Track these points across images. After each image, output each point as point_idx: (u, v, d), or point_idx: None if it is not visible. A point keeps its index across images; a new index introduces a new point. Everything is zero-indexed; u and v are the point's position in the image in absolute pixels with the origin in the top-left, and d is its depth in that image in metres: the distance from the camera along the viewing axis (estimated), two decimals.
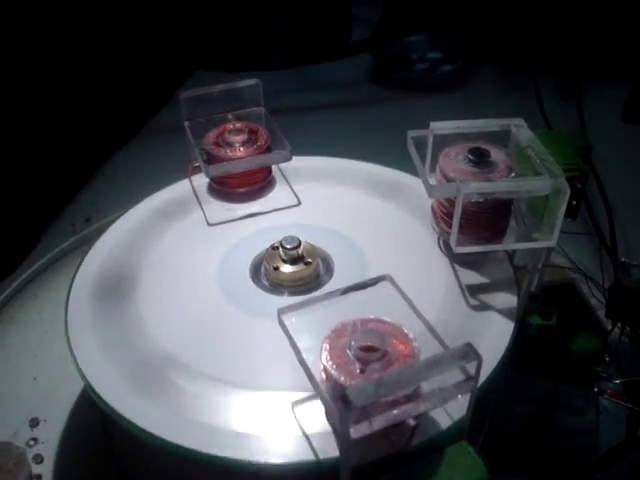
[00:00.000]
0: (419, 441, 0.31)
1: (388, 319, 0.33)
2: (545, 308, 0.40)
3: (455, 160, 0.40)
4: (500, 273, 0.41)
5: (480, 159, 0.40)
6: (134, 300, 0.40)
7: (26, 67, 0.65)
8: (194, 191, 0.49)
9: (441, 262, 0.42)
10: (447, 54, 0.87)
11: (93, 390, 0.35)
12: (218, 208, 0.47)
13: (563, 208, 0.37)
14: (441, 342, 0.32)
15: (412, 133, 0.42)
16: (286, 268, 0.41)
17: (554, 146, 0.42)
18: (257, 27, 0.85)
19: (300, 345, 0.32)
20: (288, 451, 0.32)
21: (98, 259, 0.44)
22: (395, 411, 0.29)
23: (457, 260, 0.42)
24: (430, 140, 0.42)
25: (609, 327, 0.42)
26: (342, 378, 0.30)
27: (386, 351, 0.31)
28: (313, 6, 0.87)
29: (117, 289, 0.41)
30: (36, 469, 0.42)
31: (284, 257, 0.41)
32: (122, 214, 0.48)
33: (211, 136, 0.48)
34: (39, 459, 0.43)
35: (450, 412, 0.32)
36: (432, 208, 0.42)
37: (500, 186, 0.37)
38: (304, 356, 0.32)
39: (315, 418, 0.33)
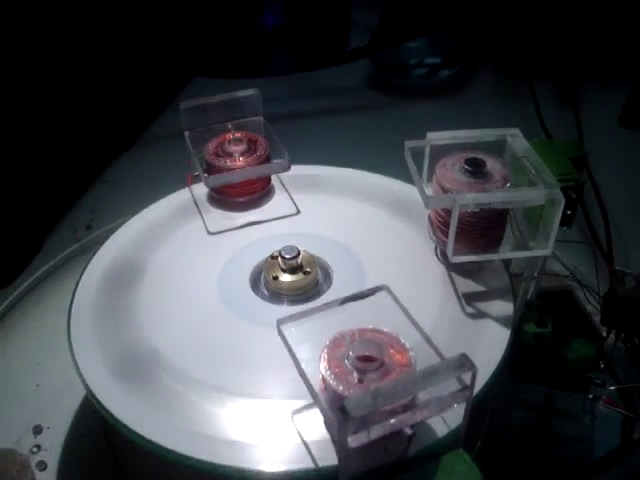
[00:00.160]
0: (416, 449, 0.32)
1: (385, 329, 0.33)
2: (541, 316, 0.41)
3: (451, 170, 0.41)
4: (496, 281, 0.42)
5: (476, 169, 0.40)
6: (135, 309, 0.41)
7: (27, 74, 0.65)
8: (194, 200, 0.50)
9: (438, 270, 0.43)
10: (445, 59, 0.88)
11: (95, 398, 0.36)
12: (218, 217, 0.48)
13: (558, 218, 0.38)
14: (437, 352, 0.32)
15: (409, 143, 0.42)
16: (285, 277, 0.41)
17: (549, 156, 0.42)
18: (255, 34, 0.85)
19: (299, 355, 0.33)
20: (287, 459, 0.33)
21: (99, 269, 0.44)
22: (392, 420, 0.29)
23: (454, 269, 0.43)
24: (427, 150, 0.43)
25: (604, 333, 0.42)
26: (340, 388, 0.31)
27: (383, 361, 0.32)
28: (311, 12, 0.88)
29: (118, 298, 0.42)
30: (39, 476, 0.43)
31: (283, 266, 0.41)
32: (123, 221, 0.49)
33: (211, 146, 0.49)
34: (42, 466, 0.44)
35: (446, 420, 0.33)
36: (429, 217, 0.43)
37: (496, 196, 0.38)
38: (303, 366, 0.32)
39: (314, 426, 0.33)
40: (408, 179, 0.49)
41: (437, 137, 0.43)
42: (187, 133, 0.49)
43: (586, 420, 0.43)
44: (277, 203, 0.49)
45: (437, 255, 0.44)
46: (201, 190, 0.50)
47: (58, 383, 0.49)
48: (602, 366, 0.41)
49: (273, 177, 0.51)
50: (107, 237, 0.48)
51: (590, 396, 0.40)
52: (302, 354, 0.33)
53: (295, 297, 0.41)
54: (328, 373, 0.31)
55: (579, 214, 0.61)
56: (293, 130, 0.79)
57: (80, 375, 0.37)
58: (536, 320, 0.41)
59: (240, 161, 0.47)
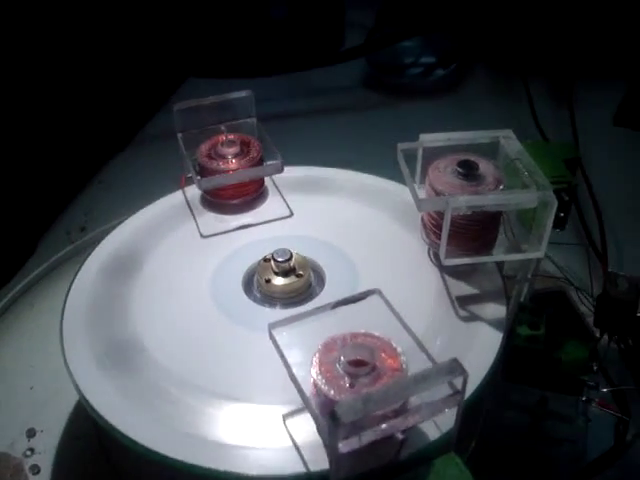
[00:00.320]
0: (408, 453, 0.32)
1: (377, 333, 0.33)
2: (534, 318, 0.41)
3: (444, 173, 0.41)
4: (489, 284, 0.42)
5: (469, 172, 0.40)
6: (128, 311, 0.41)
7: (20, 74, 0.65)
8: (187, 202, 0.49)
9: (431, 272, 0.43)
10: (440, 58, 0.88)
11: (87, 402, 0.36)
12: (211, 220, 0.48)
13: (551, 220, 0.38)
14: (429, 356, 0.32)
15: (402, 146, 0.42)
16: (278, 280, 0.41)
17: (543, 158, 0.42)
18: (250, 33, 0.85)
19: (291, 360, 0.33)
20: (278, 463, 0.32)
21: (91, 273, 0.44)
22: (384, 425, 0.29)
23: (447, 270, 0.43)
24: (420, 153, 0.43)
25: (598, 335, 0.42)
26: (332, 392, 0.31)
27: (375, 365, 0.32)
28: (306, 12, 0.88)
29: (110, 301, 0.42)
30: (33, 479, 0.43)
31: (276, 269, 0.41)
32: (118, 223, 0.49)
33: (204, 148, 0.49)
34: (36, 469, 0.44)
35: (438, 424, 0.33)
36: (422, 219, 0.43)
37: (488, 199, 0.38)
38: (294, 371, 0.32)
39: (305, 430, 0.33)
40: (403, 180, 0.49)
41: (430, 139, 0.43)
42: (180, 135, 0.49)
43: (579, 422, 0.43)
44: (270, 205, 0.49)
45: (430, 257, 0.44)
46: (194, 192, 0.50)
47: (52, 385, 0.49)
48: (595, 368, 0.41)
49: (267, 179, 0.51)
50: (101, 239, 0.47)
51: (583, 398, 0.40)
52: (294, 358, 0.33)
53: (288, 300, 0.41)
54: (319, 378, 0.31)
55: (573, 214, 0.61)
56: (288, 130, 0.79)
57: (73, 379, 0.37)
58: (529, 322, 0.40)
59: (233, 163, 0.47)
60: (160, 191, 0.52)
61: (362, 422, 0.28)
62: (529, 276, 0.43)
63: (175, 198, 0.51)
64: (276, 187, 0.50)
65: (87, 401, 0.36)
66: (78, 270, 0.45)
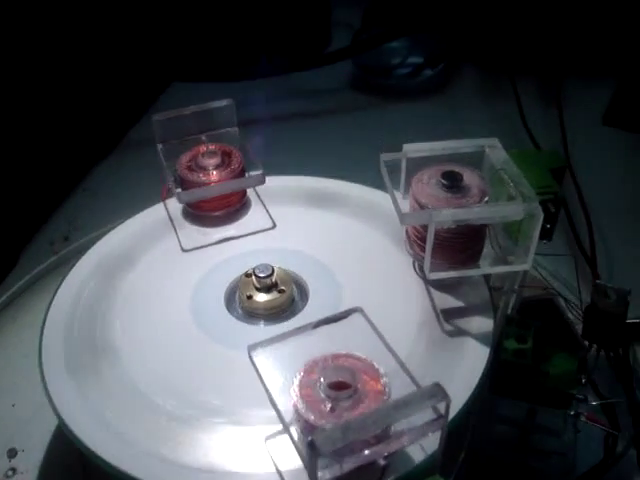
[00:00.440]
0: (392, 478, 0.31)
1: (359, 354, 0.32)
2: (521, 331, 0.40)
3: (428, 185, 0.40)
4: (476, 296, 0.41)
5: (453, 183, 0.39)
6: (107, 333, 0.40)
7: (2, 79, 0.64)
8: (169, 215, 0.49)
9: (416, 285, 0.42)
10: (428, 59, 0.87)
11: (66, 426, 0.35)
12: (193, 233, 0.47)
13: (537, 232, 0.37)
14: (412, 378, 0.31)
15: (384, 157, 0.41)
16: (259, 297, 0.40)
17: (529, 167, 0.41)
18: (235, 37, 0.84)
19: (270, 382, 0.32)
20: None
21: (70, 291, 0.43)
22: (365, 452, 0.29)
23: (432, 283, 0.42)
24: (403, 163, 0.42)
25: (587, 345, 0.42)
26: (312, 417, 0.30)
27: (357, 388, 0.31)
28: (291, 14, 0.87)
29: (89, 322, 0.41)
30: None
31: (257, 285, 0.41)
32: (102, 233, 0.48)
33: (184, 159, 0.48)
34: None
35: (422, 446, 0.32)
36: (406, 231, 0.42)
37: (472, 212, 0.37)
38: (274, 394, 0.31)
39: (288, 454, 0.32)
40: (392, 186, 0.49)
41: (413, 149, 0.42)
42: (160, 146, 0.48)
43: (568, 434, 0.42)
44: (253, 217, 0.48)
45: (415, 270, 0.43)
46: (176, 204, 0.49)
47: (35, 402, 0.48)
48: (584, 381, 0.40)
49: (249, 190, 0.50)
50: (85, 249, 0.47)
51: (572, 412, 0.39)
52: (274, 381, 0.32)
53: (270, 316, 0.41)
54: (299, 402, 0.31)
55: (563, 220, 0.61)
56: (274, 134, 0.79)
57: (52, 403, 0.37)
58: (516, 336, 0.40)
59: (214, 175, 0.46)
60: (146, 198, 0.51)
61: (342, 450, 0.27)
62: (516, 287, 0.42)
63: (156, 211, 0.50)
64: (259, 198, 0.50)
65: (66, 426, 0.35)
66: (57, 288, 0.44)
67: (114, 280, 0.44)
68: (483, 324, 0.39)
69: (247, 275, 0.41)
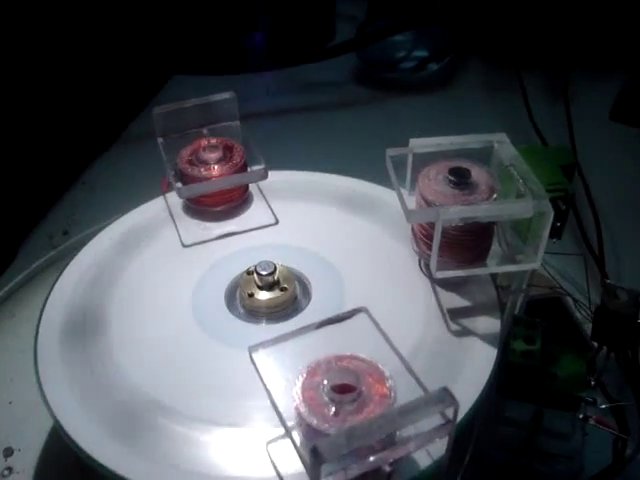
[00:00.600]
0: None
1: (363, 355, 0.31)
2: (529, 332, 0.39)
3: (435, 181, 0.39)
4: (483, 295, 0.40)
5: (460, 180, 0.38)
6: (104, 332, 0.39)
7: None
8: (169, 209, 0.47)
9: (422, 284, 0.41)
10: (433, 52, 0.85)
11: (65, 432, 0.34)
12: (193, 227, 0.46)
13: (547, 230, 0.36)
14: (418, 381, 0.30)
15: (390, 152, 0.40)
16: (261, 295, 0.39)
17: (538, 163, 0.40)
18: (237, 29, 0.83)
19: (273, 385, 0.31)
20: None
21: (68, 287, 0.42)
22: (370, 458, 0.28)
23: (438, 282, 0.41)
24: (410, 159, 0.41)
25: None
26: (315, 422, 0.29)
27: (361, 391, 0.30)
28: (296, 7, 0.85)
29: (86, 320, 0.40)
30: None
31: (259, 283, 0.40)
32: (102, 227, 0.47)
33: (185, 154, 0.47)
34: None
35: (429, 451, 0.31)
36: (412, 229, 0.41)
37: (481, 210, 0.36)
38: (277, 396, 0.30)
39: (290, 459, 0.32)
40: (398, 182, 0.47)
41: (420, 144, 0.41)
42: (160, 140, 0.47)
43: (576, 437, 0.41)
44: (255, 212, 0.47)
45: (421, 268, 0.42)
46: (176, 198, 0.48)
47: (31, 400, 0.47)
48: (593, 383, 0.39)
49: (251, 184, 0.49)
50: (84, 244, 0.46)
51: (580, 415, 0.39)
52: (276, 383, 0.31)
53: (272, 315, 0.40)
54: (302, 405, 0.30)
55: (571, 218, 0.60)
56: (276, 128, 0.78)
57: (47, 404, 0.36)
58: (524, 337, 0.39)
59: (215, 169, 0.45)
60: (146, 192, 0.50)
61: (347, 457, 0.26)
62: (524, 287, 0.41)
63: (157, 204, 0.49)
64: (261, 193, 0.48)
65: (64, 431, 0.34)
66: (53, 284, 0.43)
67: (112, 276, 0.43)
68: (490, 324, 0.38)
69: (249, 272, 0.40)
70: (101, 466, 0.32)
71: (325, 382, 0.30)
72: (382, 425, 0.26)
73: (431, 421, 0.28)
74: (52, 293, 0.42)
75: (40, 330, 0.40)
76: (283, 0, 0.86)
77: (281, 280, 0.40)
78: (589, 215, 0.59)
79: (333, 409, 0.29)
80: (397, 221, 0.44)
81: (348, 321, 0.34)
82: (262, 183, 0.49)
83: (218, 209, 0.47)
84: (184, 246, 0.45)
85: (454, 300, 0.40)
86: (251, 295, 0.39)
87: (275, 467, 0.32)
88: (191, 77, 0.82)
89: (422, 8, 0.84)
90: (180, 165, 0.46)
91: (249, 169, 0.47)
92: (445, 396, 0.27)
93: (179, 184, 0.45)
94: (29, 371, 0.48)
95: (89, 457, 0.33)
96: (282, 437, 0.33)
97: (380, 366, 0.31)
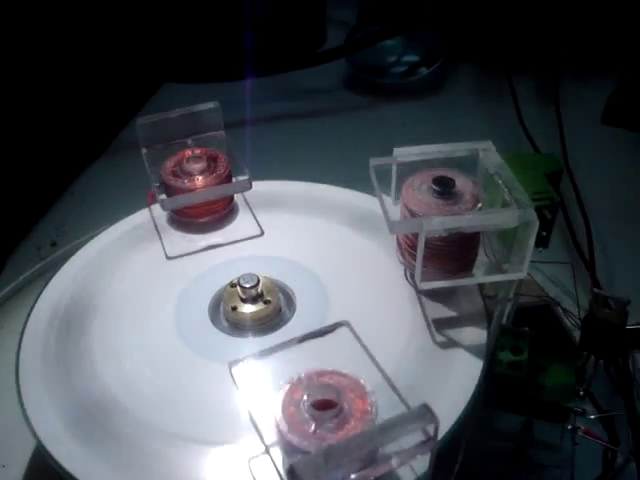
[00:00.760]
0: None
1: (345, 371, 0.31)
2: (516, 342, 0.39)
3: (419, 191, 0.38)
4: (469, 305, 0.40)
5: (444, 189, 0.38)
6: (87, 346, 0.39)
7: None
8: (153, 221, 0.47)
9: (408, 294, 0.41)
10: (424, 57, 0.85)
11: (43, 447, 0.34)
12: (178, 239, 0.46)
13: (532, 240, 0.36)
14: (400, 397, 0.30)
15: (374, 161, 0.40)
16: (245, 308, 0.39)
17: (524, 171, 0.40)
18: (227, 36, 0.82)
19: (253, 400, 0.31)
20: None
21: (49, 304, 0.42)
22: (352, 476, 0.27)
23: (424, 292, 0.40)
24: (394, 168, 0.40)
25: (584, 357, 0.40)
26: (295, 439, 0.28)
27: (342, 407, 0.29)
28: (286, 13, 0.85)
29: (69, 335, 0.39)
30: None
31: (242, 296, 0.39)
32: (90, 237, 0.47)
33: (168, 165, 0.46)
34: None
35: (413, 467, 0.31)
36: (397, 239, 0.41)
37: (465, 220, 0.36)
38: (254, 414, 0.30)
39: (271, 476, 0.31)
40: (385, 191, 0.47)
41: (404, 153, 0.40)
42: (144, 150, 0.47)
43: (566, 447, 0.41)
44: (241, 223, 0.47)
45: (407, 278, 0.42)
46: (161, 210, 0.48)
47: (16, 414, 0.46)
48: (582, 393, 0.39)
49: (237, 195, 0.48)
50: (72, 255, 0.45)
51: (569, 426, 0.38)
52: (256, 398, 0.31)
53: (256, 328, 0.39)
54: (282, 422, 0.29)
55: (562, 225, 0.59)
56: (267, 135, 0.77)
57: (29, 424, 0.36)
58: (511, 347, 0.38)
59: (199, 181, 0.45)
60: (136, 202, 0.49)
61: (326, 476, 0.26)
62: (511, 296, 0.41)
63: (142, 216, 0.48)
64: (247, 203, 0.48)
65: (43, 446, 0.34)
66: (37, 298, 0.42)
67: (96, 289, 0.42)
68: (476, 335, 0.38)
69: (232, 285, 0.40)
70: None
71: (306, 399, 0.30)
72: (361, 443, 0.26)
73: (413, 437, 0.28)
74: (36, 306, 0.42)
75: (22, 345, 0.39)
76: (273, 6, 0.85)
77: (265, 292, 0.39)
78: (580, 220, 0.58)
79: (313, 426, 0.29)
80: (384, 231, 0.44)
81: (330, 335, 0.33)
82: (248, 193, 0.48)
83: (203, 220, 0.46)
84: (168, 258, 0.44)
85: (440, 311, 0.40)
86: (234, 308, 0.39)
87: None
88: (181, 85, 0.82)
89: (412, 13, 0.83)
90: (164, 177, 0.45)
91: (234, 179, 0.47)
92: (425, 413, 0.27)
93: (163, 196, 0.44)
94: (14, 384, 0.48)
95: (71, 476, 0.32)
96: (264, 454, 0.32)
97: (362, 381, 0.31)
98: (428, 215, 0.36)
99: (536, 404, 0.38)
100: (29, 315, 0.41)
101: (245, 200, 0.48)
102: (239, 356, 0.32)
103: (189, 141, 0.48)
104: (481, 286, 0.41)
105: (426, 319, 0.39)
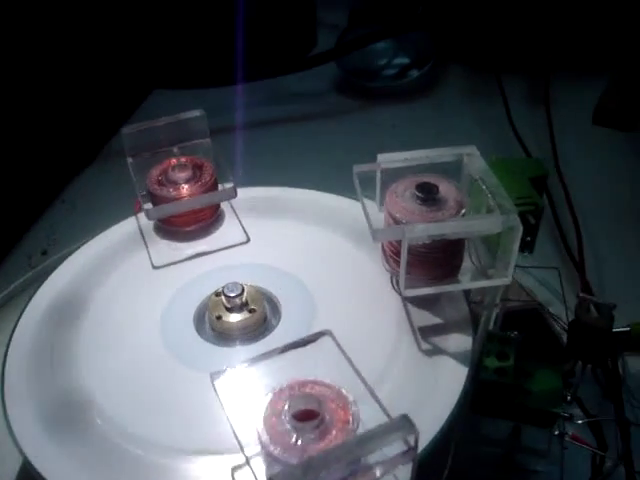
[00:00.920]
0: None
1: (327, 381, 0.31)
2: (502, 348, 0.38)
3: (402, 198, 0.38)
4: (455, 312, 0.40)
5: (428, 196, 0.38)
6: (72, 358, 0.39)
7: None
8: (140, 230, 0.47)
9: (394, 301, 0.41)
10: (414, 59, 0.85)
11: (30, 464, 0.34)
12: (164, 248, 0.46)
13: (517, 245, 0.36)
14: (381, 406, 0.30)
15: (357, 168, 0.40)
16: (229, 317, 0.39)
17: (508, 176, 0.40)
18: (216, 41, 0.82)
19: (235, 411, 0.31)
20: None
21: (35, 315, 0.42)
22: None
23: (410, 299, 0.40)
24: (378, 175, 0.40)
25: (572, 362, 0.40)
26: (276, 451, 0.28)
27: (323, 417, 0.29)
28: (276, 16, 0.85)
29: (54, 344, 0.40)
30: None
31: (227, 305, 0.39)
32: (81, 244, 0.47)
33: (154, 174, 0.46)
34: None
35: (396, 476, 0.31)
36: (382, 247, 0.41)
37: (448, 227, 0.36)
38: (235, 426, 0.30)
39: None
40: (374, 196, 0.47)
41: (388, 159, 0.40)
42: (130, 160, 0.47)
43: (555, 453, 0.40)
44: (227, 231, 0.47)
45: (393, 285, 0.41)
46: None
47: (2, 428, 0.46)
48: (569, 398, 0.39)
49: (224, 202, 0.48)
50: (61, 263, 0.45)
51: (556, 432, 0.38)
52: (238, 410, 0.31)
53: (241, 337, 0.39)
54: (263, 433, 0.29)
55: (551, 224, 0.59)
56: (257, 139, 0.77)
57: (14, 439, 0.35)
58: (497, 352, 0.38)
59: (184, 189, 0.45)
60: (128, 210, 0.49)
61: None
62: (497, 302, 0.41)
63: (128, 225, 0.48)
64: (233, 210, 0.48)
65: (22, 451, 0.34)
66: (21, 313, 0.42)
67: (82, 299, 0.42)
68: (462, 342, 0.38)
69: (217, 294, 0.40)
70: None
71: (287, 410, 0.29)
72: (339, 455, 0.26)
73: (394, 449, 0.27)
74: (22, 317, 0.42)
75: (8, 360, 0.39)
76: (263, 11, 0.85)
77: (249, 301, 0.39)
78: (571, 222, 0.58)
79: (294, 437, 0.29)
80: (371, 238, 0.44)
81: (313, 344, 0.33)
82: (235, 200, 0.48)
83: (189, 229, 0.46)
84: (154, 267, 0.44)
85: (426, 317, 0.40)
86: (219, 317, 0.39)
87: None
88: (171, 91, 0.82)
89: (402, 15, 0.83)
90: (149, 186, 0.45)
91: (220, 187, 0.47)
92: (405, 424, 0.27)
93: (148, 205, 0.44)
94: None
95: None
96: (245, 465, 0.32)
97: (344, 391, 0.30)
98: (411, 222, 0.36)
99: (522, 410, 0.38)
100: (16, 325, 0.41)
101: (232, 207, 0.48)
102: (223, 366, 0.32)
103: (175, 149, 0.48)
104: (467, 292, 0.41)
105: (412, 326, 0.39)
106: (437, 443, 0.33)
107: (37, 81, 0.69)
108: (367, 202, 0.40)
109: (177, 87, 0.80)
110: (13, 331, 0.41)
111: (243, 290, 0.39)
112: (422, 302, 0.40)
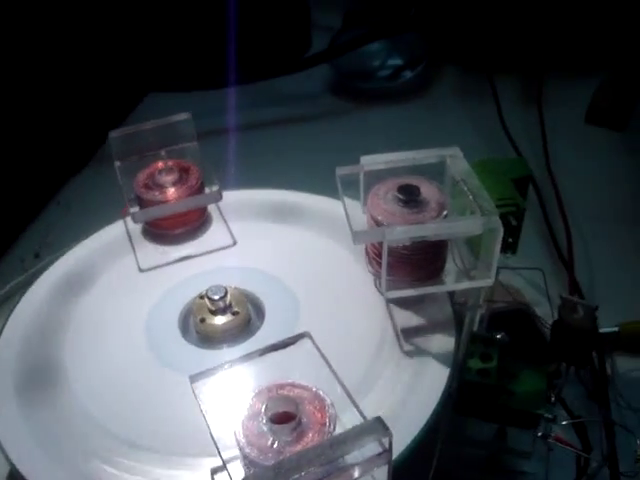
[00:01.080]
0: None
1: (305, 383, 0.31)
2: (486, 349, 0.38)
3: (384, 200, 0.38)
4: (438, 313, 0.40)
5: (409, 198, 0.38)
6: (57, 359, 0.39)
7: None
8: (127, 233, 0.47)
9: (377, 303, 0.41)
10: (407, 60, 0.85)
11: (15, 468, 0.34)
12: (151, 251, 0.46)
13: (498, 247, 0.36)
14: (358, 409, 0.30)
15: (340, 171, 0.40)
16: (213, 320, 0.39)
17: (491, 177, 0.40)
18: (210, 44, 0.82)
19: (214, 415, 0.31)
20: None
21: (23, 317, 0.42)
22: None
23: (394, 300, 0.40)
24: (361, 177, 0.40)
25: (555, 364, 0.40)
26: (253, 453, 0.29)
27: (300, 420, 0.29)
28: (270, 18, 0.85)
29: (40, 347, 0.40)
30: None
31: (211, 307, 0.39)
32: (69, 249, 0.47)
33: (141, 177, 0.46)
34: None
35: (374, 477, 0.31)
36: (365, 249, 0.41)
37: (428, 229, 0.36)
38: (213, 429, 0.30)
39: None
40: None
41: (371, 161, 0.40)
42: (118, 164, 0.47)
43: (539, 454, 0.40)
44: (214, 234, 0.47)
45: (377, 287, 0.42)
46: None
47: None
48: (553, 399, 0.39)
49: (212, 205, 0.48)
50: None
51: (539, 433, 0.38)
52: (217, 413, 0.31)
53: (225, 339, 0.39)
54: (240, 436, 0.29)
55: (542, 224, 0.59)
56: (251, 141, 0.77)
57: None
58: (480, 354, 0.38)
59: (171, 192, 0.45)
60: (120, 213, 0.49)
61: None
62: (481, 303, 0.41)
63: (116, 228, 0.48)
64: (221, 214, 0.48)
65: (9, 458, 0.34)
66: (10, 313, 0.43)
67: (68, 305, 0.43)
68: (444, 343, 0.38)
69: (201, 297, 0.40)
70: None
71: (264, 413, 0.30)
72: (312, 457, 0.26)
73: (369, 451, 0.28)
74: (9, 320, 0.42)
75: None
76: (258, 13, 0.85)
77: (233, 304, 0.40)
78: (561, 222, 0.58)
79: (271, 439, 0.29)
80: None
81: (292, 347, 0.33)
82: (222, 203, 0.48)
83: (176, 232, 0.46)
84: (141, 271, 0.44)
85: (410, 319, 0.40)
86: (203, 320, 0.39)
87: None
88: (166, 94, 0.82)
89: (395, 17, 0.83)
90: (136, 189, 0.46)
91: (207, 190, 0.47)
92: (378, 427, 0.27)
93: (135, 208, 0.45)
94: None
95: None
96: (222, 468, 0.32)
97: (321, 393, 0.31)
98: (392, 224, 0.36)
99: (505, 411, 0.38)
100: (2, 329, 0.42)
101: (219, 210, 0.48)
102: (206, 367, 0.33)
103: (162, 153, 0.48)
104: (452, 293, 0.41)
105: (395, 328, 0.39)
106: (419, 443, 0.33)
107: (32, 84, 0.70)
108: (353, 203, 0.40)
109: (172, 90, 0.80)
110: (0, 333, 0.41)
111: (226, 292, 0.39)
112: (406, 303, 0.40)
